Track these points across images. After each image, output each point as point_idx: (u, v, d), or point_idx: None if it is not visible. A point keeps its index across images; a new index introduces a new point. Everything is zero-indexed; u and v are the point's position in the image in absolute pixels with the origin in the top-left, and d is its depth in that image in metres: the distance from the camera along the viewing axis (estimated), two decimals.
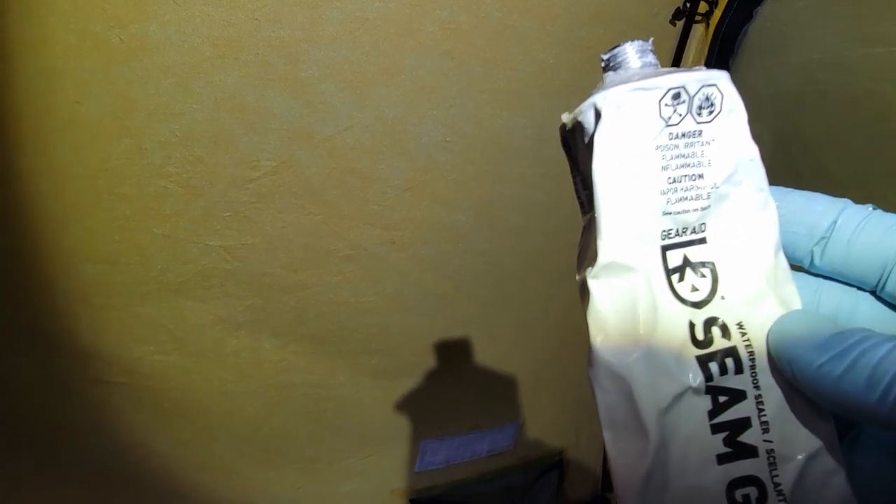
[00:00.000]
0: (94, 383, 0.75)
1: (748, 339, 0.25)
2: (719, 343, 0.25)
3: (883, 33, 0.66)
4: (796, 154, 0.76)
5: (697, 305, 0.25)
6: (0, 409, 0.71)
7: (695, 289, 0.25)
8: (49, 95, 0.62)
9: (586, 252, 0.27)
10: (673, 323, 0.25)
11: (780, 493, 0.24)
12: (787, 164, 0.77)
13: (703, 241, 0.26)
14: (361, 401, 0.96)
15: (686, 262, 0.26)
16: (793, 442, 0.24)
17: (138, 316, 0.75)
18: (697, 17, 0.85)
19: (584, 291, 0.26)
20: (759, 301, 0.25)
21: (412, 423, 1.05)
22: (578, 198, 0.29)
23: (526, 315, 1.07)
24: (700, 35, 0.87)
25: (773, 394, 0.24)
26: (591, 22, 0.79)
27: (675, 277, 0.26)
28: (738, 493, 0.24)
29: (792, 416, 0.24)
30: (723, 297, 0.25)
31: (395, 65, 0.73)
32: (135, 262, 0.72)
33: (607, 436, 0.25)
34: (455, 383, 1.06)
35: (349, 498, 1.04)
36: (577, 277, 0.27)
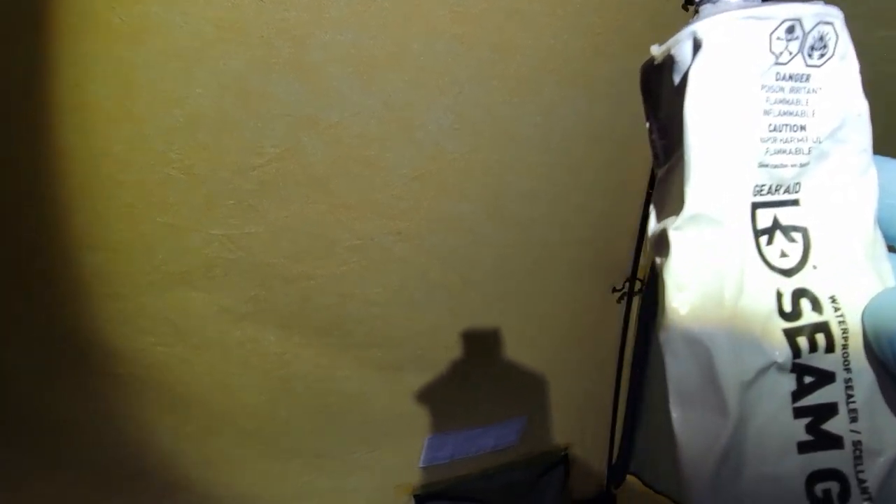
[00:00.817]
0: (96, 375, 0.74)
1: (842, 315, 0.22)
2: (809, 317, 0.22)
3: None
4: None
5: (787, 273, 0.23)
6: (0, 400, 0.69)
7: (784, 254, 0.23)
8: (50, 79, 0.60)
9: (665, 202, 0.25)
10: (760, 290, 0.22)
11: (864, 490, 0.21)
12: None
13: (795, 202, 0.23)
14: (366, 394, 0.95)
15: (776, 223, 0.23)
16: (883, 434, 0.22)
17: (141, 306, 0.74)
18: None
19: (662, 244, 0.23)
20: (855, 274, 0.23)
21: (417, 418, 1.04)
22: (653, 149, 0.26)
23: (533, 309, 1.06)
24: None
25: (864, 378, 0.22)
26: (602, 7, 0.78)
27: (763, 240, 0.23)
28: (819, 488, 0.22)
29: (884, 406, 0.22)
30: (815, 267, 0.23)
31: (403, 49, 0.72)
32: (137, 250, 0.71)
33: (676, 411, 0.23)
34: (461, 378, 1.04)
35: (354, 492, 1.02)
36: (654, 228, 0.25)
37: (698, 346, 0.22)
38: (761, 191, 0.23)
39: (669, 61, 0.24)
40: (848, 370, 0.22)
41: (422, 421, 1.05)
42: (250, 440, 0.88)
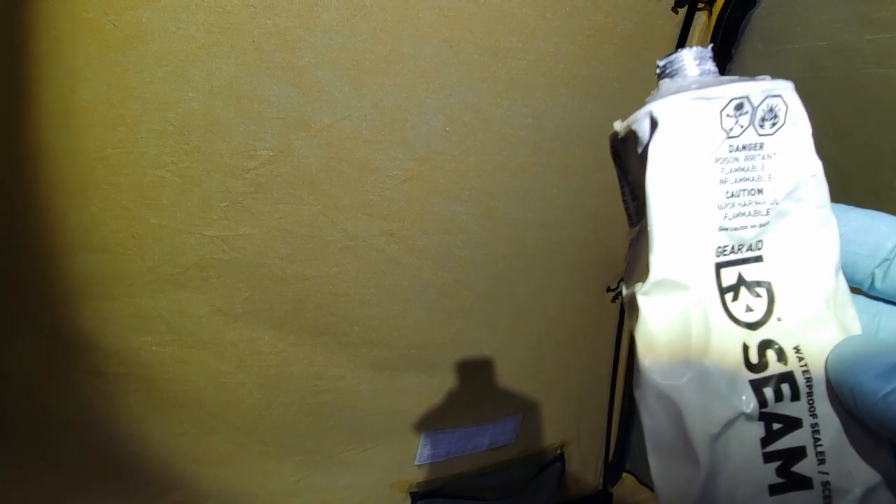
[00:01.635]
0: (91, 374, 0.75)
1: (805, 364, 0.24)
2: (775, 367, 0.24)
3: (889, 18, 0.64)
4: None
5: (752, 327, 0.24)
6: None
7: (749, 309, 0.24)
8: (43, 84, 0.61)
9: (635, 265, 0.26)
10: (726, 344, 0.24)
11: None
12: None
13: (759, 259, 0.25)
14: (361, 393, 0.96)
15: (741, 280, 0.25)
16: (850, 475, 0.23)
17: (136, 307, 0.75)
18: (700, 5, 0.84)
19: (632, 308, 0.25)
20: (817, 324, 0.24)
21: (412, 416, 1.05)
22: (626, 209, 0.28)
23: (526, 307, 1.06)
24: (703, 23, 0.86)
25: (830, 423, 0.23)
26: (593, 9, 0.78)
27: (728, 296, 0.24)
28: None
29: (850, 448, 0.23)
30: (779, 319, 0.24)
31: (393, 53, 0.72)
32: (132, 252, 0.72)
33: (653, 460, 0.24)
34: (455, 376, 1.05)
35: (348, 490, 1.04)
36: (625, 292, 0.26)
37: (668, 402, 0.23)
38: (724, 251, 0.24)
39: (632, 135, 0.26)
40: (814, 416, 0.23)
41: (417, 419, 1.06)
42: (245, 438, 0.89)
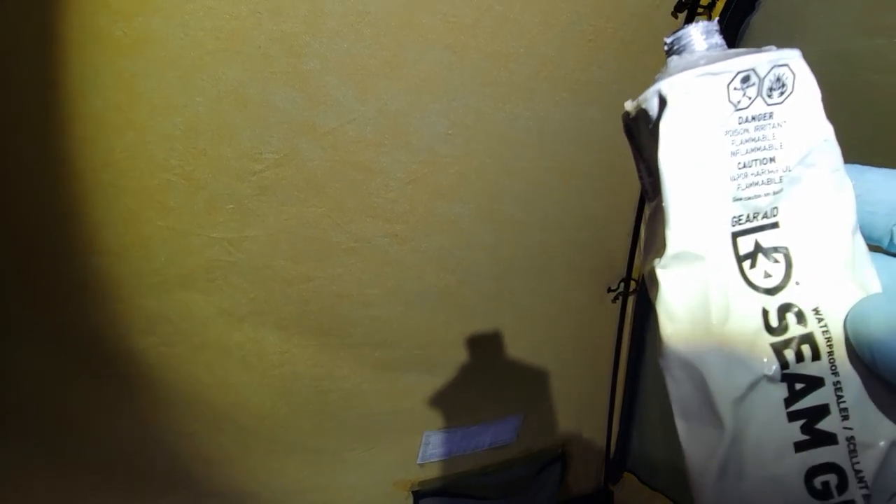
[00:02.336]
0: (99, 375, 0.76)
1: (825, 325, 0.24)
2: (795, 330, 0.24)
3: (888, 24, 0.65)
4: None
5: (771, 292, 0.25)
6: (3, 400, 0.71)
7: (767, 275, 0.25)
8: (54, 89, 0.62)
9: (653, 241, 0.27)
10: (746, 311, 0.24)
11: (860, 479, 0.23)
12: None
13: (775, 225, 0.25)
14: (365, 393, 0.97)
15: (758, 247, 0.25)
16: (874, 429, 0.23)
17: (143, 308, 0.76)
18: (700, 10, 0.85)
19: (652, 281, 0.25)
20: (835, 285, 0.24)
21: (415, 415, 1.06)
22: (642, 185, 0.29)
23: (529, 309, 1.07)
24: None
25: (852, 380, 0.24)
26: (593, 14, 0.79)
27: (746, 264, 0.25)
28: (818, 481, 0.23)
29: (872, 403, 0.24)
30: (797, 283, 0.25)
31: (397, 58, 0.73)
32: (139, 254, 0.73)
33: (680, 426, 0.25)
34: (458, 376, 1.06)
35: (353, 489, 1.05)
36: (644, 267, 0.27)
37: (692, 369, 0.24)
38: (739, 221, 0.25)
39: (643, 114, 0.26)
40: (836, 374, 0.24)
41: (419, 419, 1.07)
42: (250, 437, 0.90)
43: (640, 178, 0.29)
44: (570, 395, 1.24)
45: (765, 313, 0.25)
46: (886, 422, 0.24)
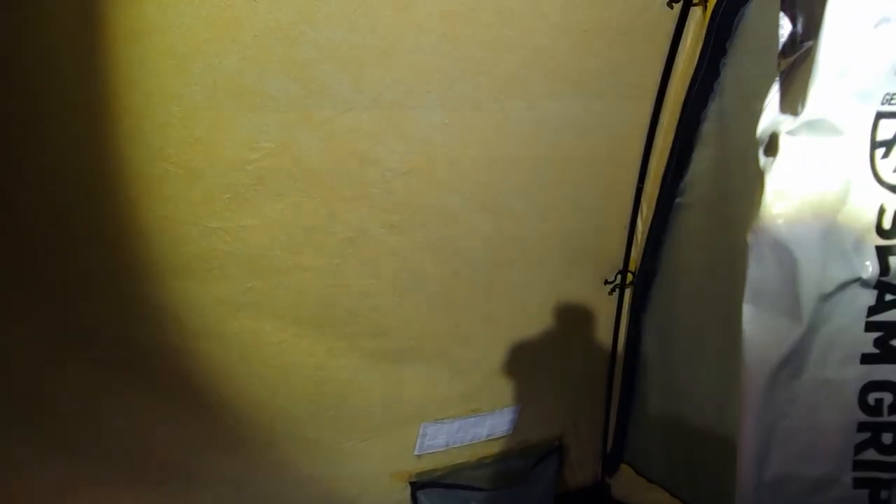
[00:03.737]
0: (98, 363, 0.76)
1: None
2: None
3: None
4: None
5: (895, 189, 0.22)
6: (1, 388, 0.72)
7: None
8: (50, 77, 0.63)
9: (784, 100, 0.24)
10: (863, 204, 0.22)
11: None
12: None
13: None
14: (361, 383, 0.97)
15: None
16: None
17: (140, 297, 0.76)
18: (695, 0, 0.85)
19: (771, 146, 0.23)
20: None
21: (412, 407, 1.06)
22: (779, 36, 0.25)
23: (525, 301, 1.08)
24: (698, 18, 0.87)
25: None
26: (589, 4, 0.80)
27: (879, 152, 0.22)
28: (871, 397, 0.22)
29: None
30: None
31: (393, 47, 0.73)
32: (136, 243, 0.73)
33: (748, 309, 0.23)
34: (454, 367, 1.06)
35: (350, 479, 1.05)
36: (766, 125, 0.24)
37: (786, 253, 0.23)
38: (891, 100, 0.22)
39: None
40: None
41: (416, 410, 1.07)
42: (248, 427, 0.90)
43: (780, 26, 0.25)
44: (567, 387, 1.24)
45: (881, 211, 0.22)
46: None
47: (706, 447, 1.08)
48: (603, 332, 1.23)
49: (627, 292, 1.19)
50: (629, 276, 1.16)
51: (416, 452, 1.11)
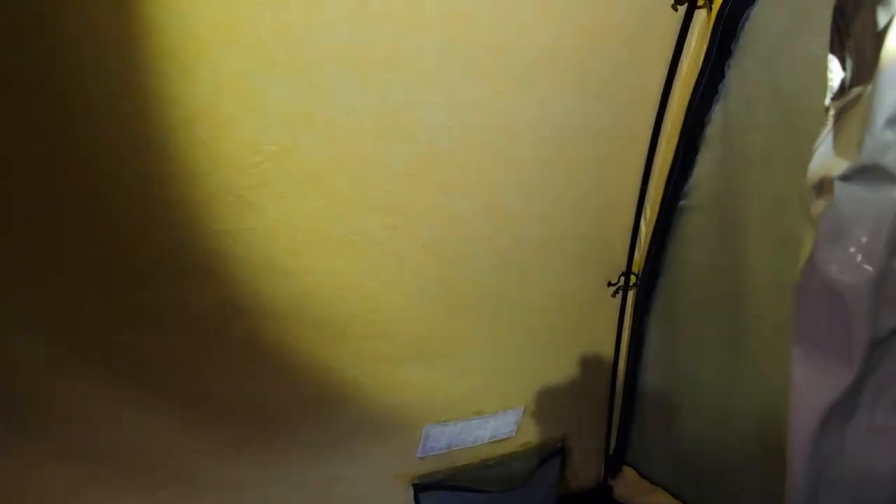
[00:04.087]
0: (101, 365, 0.76)
1: None
2: None
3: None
4: (799, 134, 0.76)
5: None
6: (3, 390, 0.71)
7: None
8: (53, 80, 0.62)
9: (837, 141, 0.23)
10: None
11: None
12: (789, 144, 0.77)
13: None
14: (364, 385, 0.97)
15: None
16: None
17: (143, 299, 0.76)
18: (700, 2, 0.85)
19: (822, 190, 0.22)
20: None
21: (414, 409, 1.06)
22: (831, 79, 0.25)
23: (528, 301, 1.07)
24: (703, 20, 0.87)
25: None
26: (593, 6, 0.79)
27: None
28: None
29: None
30: None
31: (396, 49, 0.73)
32: (138, 245, 0.73)
33: (798, 353, 0.22)
34: (457, 369, 1.06)
35: (352, 481, 1.05)
36: (816, 167, 0.23)
37: (837, 298, 0.22)
38: None
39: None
40: None
41: (419, 412, 1.07)
42: (250, 429, 0.90)
43: (831, 69, 0.25)
44: (570, 390, 1.24)
45: None
46: None
47: (709, 450, 1.08)
48: (606, 334, 1.23)
49: (631, 294, 1.19)
50: (633, 278, 1.16)
51: (418, 454, 1.11)
